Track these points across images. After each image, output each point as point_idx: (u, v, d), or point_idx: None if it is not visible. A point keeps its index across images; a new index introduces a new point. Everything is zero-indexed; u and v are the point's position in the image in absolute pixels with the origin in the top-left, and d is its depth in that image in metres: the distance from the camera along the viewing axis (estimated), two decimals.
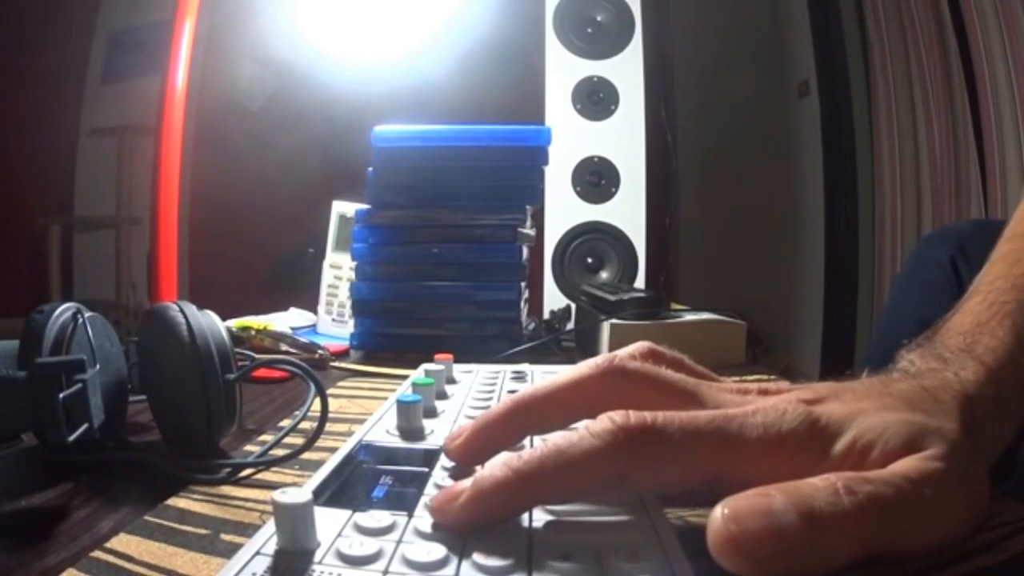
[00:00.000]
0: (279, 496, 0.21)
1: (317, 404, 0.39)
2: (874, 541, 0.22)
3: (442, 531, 0.23)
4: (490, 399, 0.41)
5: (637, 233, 1.19)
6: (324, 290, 0.92)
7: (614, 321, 0.70)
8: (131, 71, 2.67)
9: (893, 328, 0.71)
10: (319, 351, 0.73)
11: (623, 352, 0.32)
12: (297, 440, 0.38)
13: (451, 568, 0.20)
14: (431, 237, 0.79)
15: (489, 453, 0.29)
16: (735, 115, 2.37)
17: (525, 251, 0.81)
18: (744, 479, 0.23)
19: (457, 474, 0.28)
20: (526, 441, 0.31)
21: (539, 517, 0.24)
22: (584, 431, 0.24)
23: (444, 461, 0.30)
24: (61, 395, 0.31)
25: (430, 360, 0.47)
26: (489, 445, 0.29)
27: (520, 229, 0.79)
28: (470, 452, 0.29)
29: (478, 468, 0.26)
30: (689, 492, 0.26)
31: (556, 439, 0.24)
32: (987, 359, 0.30)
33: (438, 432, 0.34)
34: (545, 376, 0.48)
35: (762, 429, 0.24)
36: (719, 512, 0.20)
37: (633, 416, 0.24)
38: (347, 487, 0.27)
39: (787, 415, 0.25)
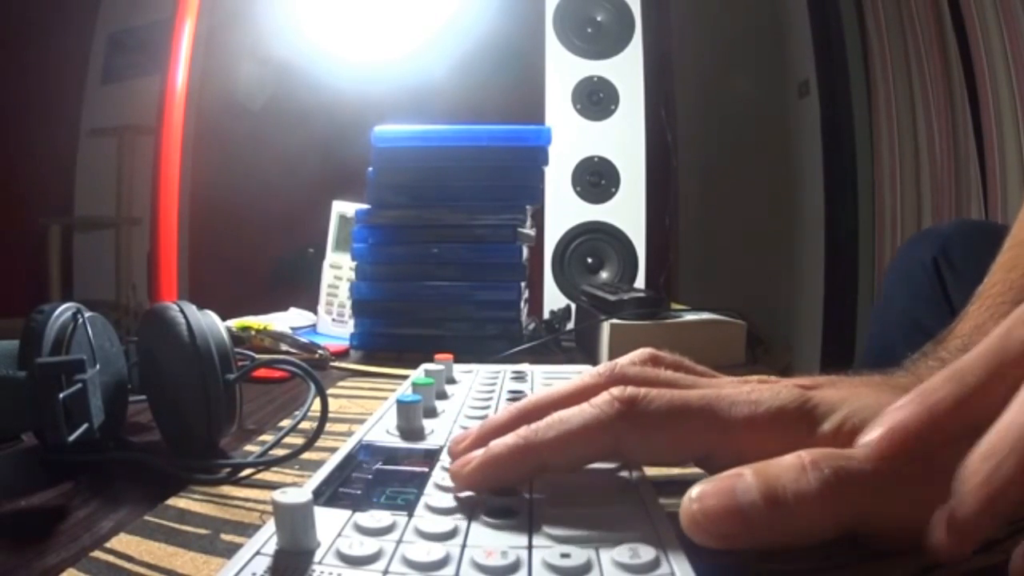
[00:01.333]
0: (279, 496, 0.21)
1: (317, 404, 0.39)
2: (841, 517, 0.22)
3: (457, 492, 0.25)
4: (490, 399, 0.41)
5: (637, 233, 1.19)
6: (324, 290, 0.92)
7: (614, 321, 0.70)
8: (131, 71, 2.67)
9: (883, 328, 0.72)
10: (319, 351, 0.73)
11: (624, 359, 0.33)
12: (297, 440, 0.38)
13: (451, 568, 0.20)
14: (431, 237, 0.79)
15: None
16: (735, 115, 2.36)
17: (525, 251, 0.82)
18: (733, 455, 0.24)
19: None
20: None
21: (539, 515, 0.24)
22: (585, 404, 0.26)
23: (444, 461, 0.30)
24: (61, 395, 0.31)
25: (430, 360, 0.47)
26: None
27: (520, 229, 0.79)
28: None
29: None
30: (673, 485, 0.27)
31: (560, 412, 0.26)
32: None
33: (438, 432, 0.34)
34: (545, 377, 0.48)
35: (752, 406, 0.25)
36: (688, 493, 0.22)
37: (628, 388, 0.26)
38: (347, 487, 0.27)
39: (779, 394, 0.26)
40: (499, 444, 0.26)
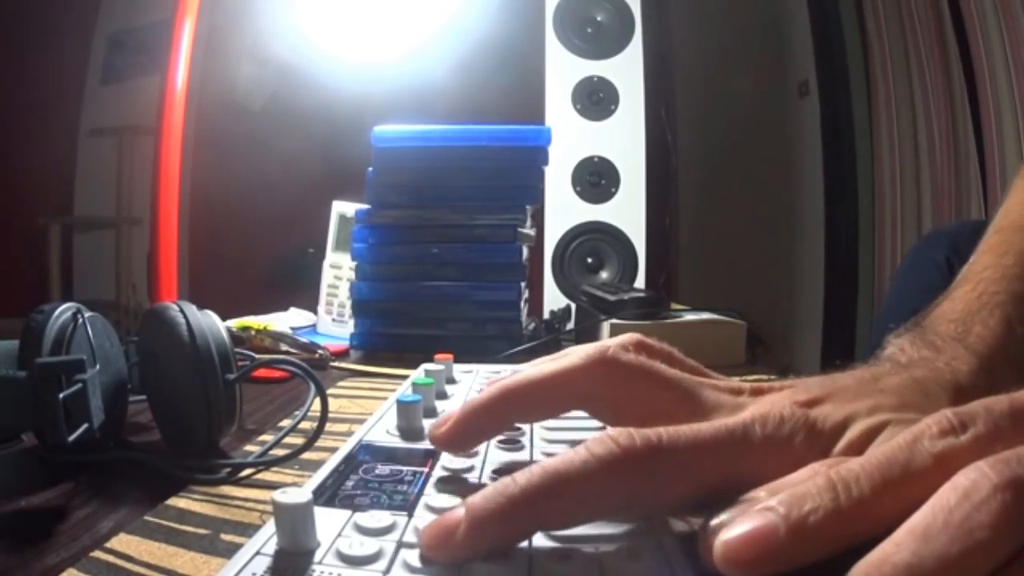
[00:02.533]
0: (279, 496, 0.21)
1: (317, 404, 0.39)
2: (861, 532, 0.22)
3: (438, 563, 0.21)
4: None
5: (637, 233, 1.19)
6: (324, 290, 0.92)
7: (614, 321, 0.71)
8: (131, 71, 2.67)
9: (894, 325, 0.72)
10: (319, 351, 0.73)
11: (614, 342, 0.30)
12: (297, 440, 0.38)
13: (451, 568, 0.20)
14: (431, 237, 0.79)
15: (475, 441, 0.29)
16: (735, 115, 2.36)
17: (525, 251, 0.81)
18: (747, 488, 0.23)
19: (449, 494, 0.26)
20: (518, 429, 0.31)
21: None
22: (586, 453, 0.22)
23: (444, 461, 0.30)
24: (61, 395, 0.31)
25: (430, 360, 0.47)
26: (475, 432, 0.28)
27: (520, 229, 0.79)
28: (456, 439, 0.28)
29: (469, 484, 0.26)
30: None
31: (555, 463, 0.22)
32: (979, 349, 0.30)
33: None
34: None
35: (763, 440, 0.24)
36: (707, 522, 0.21)
37: (638, 437, 0.22)
38: (347, 487, 0.27)
39: (785, 423, 0.25)
40: (482, 511, 0.21)
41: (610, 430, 0.23)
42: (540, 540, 0.22)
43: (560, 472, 0.21)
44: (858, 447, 0.24)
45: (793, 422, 0.25)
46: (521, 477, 0.22)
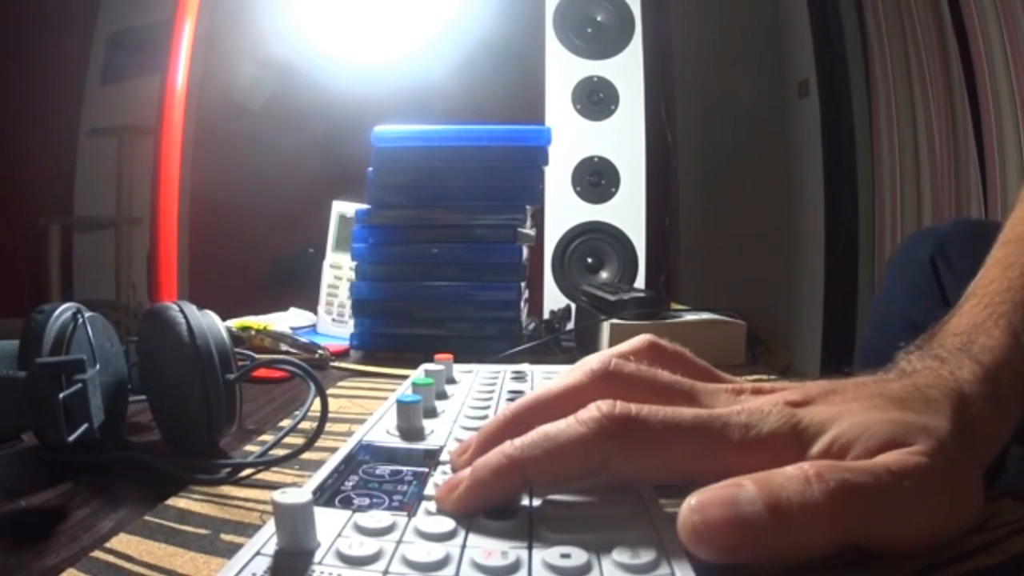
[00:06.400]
0: (279, 496, 0.21)
1: (317, 404, 0.39)
2: (846, 529, 0.22)
3: (445, 516, 0.24)
4: (490, 399, 0.41)
5: (637, 233, 1.19)
6: (324, 290, 0.92)
7: (614, 321, 0.70)
8: (131, 71, 2.67)
9: (880, 327, 0.72)
10: (319, 351, 0.72)
11: (624, 347, 0.32)
12: (297, 440, 0.38)
13: (451, 568, 0.20)
14: (431, 237, 0.79)
15: None
16: (735, 115, 2.36)
17: (525, 251, 0.81)
18: (722, 476, 0.23)
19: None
20: None
21: (539, 516, 0.24)
22: (572, 419, 0.25)
23: (445, 461, 0.30)
24: (61, 395, 0.31)
25: (430, 360, 0.47)
26: None
27: (520, 229, 0.79)
28: None
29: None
30: (673, 485, 0.27)
31: (547, 426, 0.26)
32: (983, 358, 0.30)
33: (438, 432, 0.34)
34: (545, 377, 0.48)
35: (744, 429, 0.25)
36: (687, 502, 0.22)
37: (618, 406, 0.25)
38: (347, 487, 0.27)
39: (770, 416, 0.25)
40: (483, 467, 0.25)
41: (598, 401, 0.26)
42: (540, 539, 0.22)
43: (549, 433, 0.25)
44: (838, 449, 0.25)
45: (776, 417, 0.25)
46: (518, 439, 0.26)
